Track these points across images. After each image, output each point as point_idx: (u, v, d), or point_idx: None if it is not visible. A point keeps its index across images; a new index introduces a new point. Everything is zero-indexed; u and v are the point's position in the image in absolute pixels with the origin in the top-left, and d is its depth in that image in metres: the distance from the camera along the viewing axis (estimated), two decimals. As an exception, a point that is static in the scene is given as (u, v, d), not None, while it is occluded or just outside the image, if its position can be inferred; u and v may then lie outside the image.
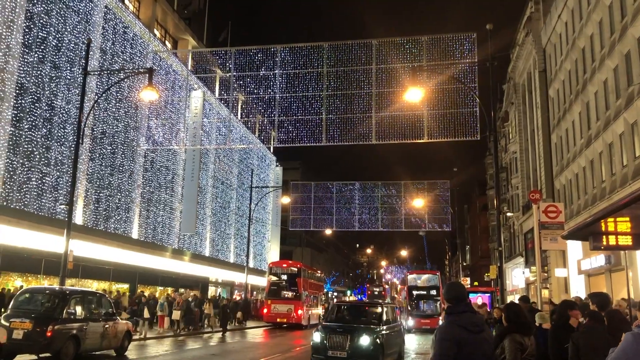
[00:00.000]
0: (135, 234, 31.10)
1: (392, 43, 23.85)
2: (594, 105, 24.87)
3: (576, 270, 26.65)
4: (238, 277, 44.93)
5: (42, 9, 23.32)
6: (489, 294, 37.76)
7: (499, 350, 5.45)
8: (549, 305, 13.56)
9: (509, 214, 45.48)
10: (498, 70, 46.19)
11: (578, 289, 26.60)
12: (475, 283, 63.85)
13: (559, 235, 16.88)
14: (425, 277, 38.60)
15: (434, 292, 36.42)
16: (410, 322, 34.58)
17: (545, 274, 29.85)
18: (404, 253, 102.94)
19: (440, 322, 29.36)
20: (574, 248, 25.86)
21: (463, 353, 4.27)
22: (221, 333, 27.93)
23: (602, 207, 21.59)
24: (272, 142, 43.84)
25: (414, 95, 17.58)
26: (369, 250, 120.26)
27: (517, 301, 10.71)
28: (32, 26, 22.70)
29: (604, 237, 15.91)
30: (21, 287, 20.75)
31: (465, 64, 22.43)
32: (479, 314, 5.17)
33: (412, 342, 25.81)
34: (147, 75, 18.80)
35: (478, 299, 38.45)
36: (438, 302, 35.37)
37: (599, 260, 22.96)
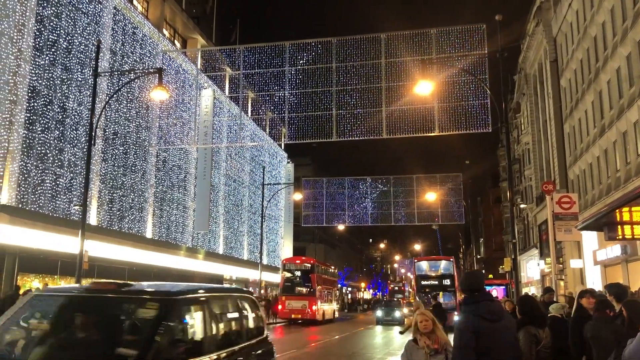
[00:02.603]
0: (149, 233, 31.32)
1: (401, 36, 23.75)
2: (607, 93, 24.60)
3: (592, 261, 26.43)
4: (252, 274, 45.09)
5: (52, 11, 23.49)
6: (503, 287, 37.46)
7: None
8: (564, 297, 13.46)
9: (522, 206, 45.17)
10: (509, 61, 45.88)
11: (594, 280, 26.38)
12: (490, 276, 63.54)
13: (574, 226, 16.72)
14: (436, 264, 32.99)
15: (447, 281, 31.18)
16: None
17: (561, 266, 29.65)
18: (417, 247, 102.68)
19: (456, 318, 28.06)
20: (589, 239, 25.64)
21: (482, 343, 4.20)
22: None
23: (617, 196, 21.37)
24: (282, 139, 43.93)
25: (424, 88, 17.50)
26: (382, 245, 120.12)
27: (539, 294, 10.66)
28: (42, 29, 22.88)
29: (619, 227, 15.75)
30: (37, 288, 20.97)
31: (475, 55, 22.28)
32: (498, 302, 5.12)
33: None
34: (157, 75, 18.87)
35: (493, 291, 38.20)
36: (453, 294, 30.29)
37: (614, 250, 22.75)
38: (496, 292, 38.10)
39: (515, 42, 43.77)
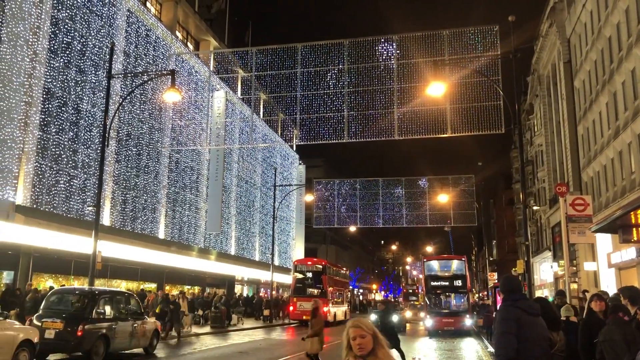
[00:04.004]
0: (161, 234, 31.49)
1: (413, 38, 23.70)
2: (622, 95, 24.35)
3: (606, 264, 26.16)
4: (264, 275, 45.19)
5: (66, 14, 23.74)
6: (516, 289, 37.07)
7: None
8: (578, 299, 13.35)
9: (535, 208, 44.84)
10: (522, 62, 45.57)
11: (608, 283, 26.11)
12: (519, 278, 63.01)
13: (588, 229, 16.57)
14: (447, 263, 30.96)
15: (459, 282, 29.08)
16: (429, 321, 28.24)
17: (574, 268, 29.38)
18: (429, 249, 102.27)
19: (468, 322, 27.72)
20: (604, 241, 25.38)
21: (522, 333, 4.57)
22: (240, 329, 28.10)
23: (632, 198, 21.15)
24: (294, 140, 43.99)
25: (437, 89, 17.45)
26: (394, 247, 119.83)
27: (552, 296, 10.57)
28: (57, 32, 23.13)
29: (634, 229, 15.58)
30: (51, 287, 21.18)
31: (488, 57, 22.17)
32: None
33: (430, 351, 21.12)
34: (170, 77, 19.00)
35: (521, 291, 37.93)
36: (465, 296, 28.82)
37: (629, 253, 22.49)
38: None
39: (528, 43, 43.52)
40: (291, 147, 54.91)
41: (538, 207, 44.28)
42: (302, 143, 27.17)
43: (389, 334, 14.89)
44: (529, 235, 21.05)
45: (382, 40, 24.15)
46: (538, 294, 36.56)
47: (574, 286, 28.27)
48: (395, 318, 28.29)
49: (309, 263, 37.56)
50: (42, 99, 22.14)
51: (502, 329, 4.62)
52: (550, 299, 18.02)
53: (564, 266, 18.45)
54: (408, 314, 40.88)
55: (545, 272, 42.68)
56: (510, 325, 4.58)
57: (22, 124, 21.01)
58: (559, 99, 36.54)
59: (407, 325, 35.05)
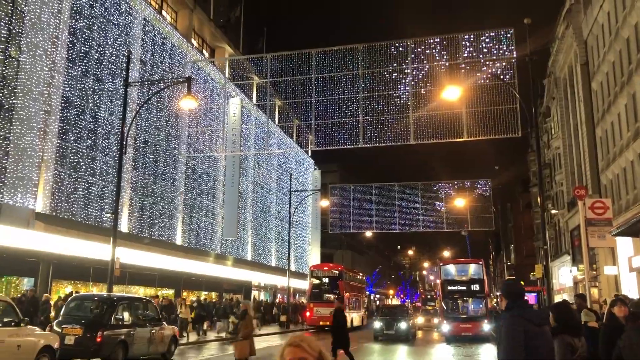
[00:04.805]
0: (179, 240, 31.67)
1: (428, 42, 23.64)
2: (641, 96, 24.04)
3: (627, 268, 25.77)
4: (280, 281, 45.21)
5: (84, 24, 24.06)
6: (535, 294, 36.57)
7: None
8: (598, 304, 13.16)
9: (553, 212, 44.36)
10: (538, 65, 45.23)
11: (630, 288, 25.71)
12: (521, 283, 62.49)
13: (608, 232, 16.36)
14: (464, 267, 30.40)
15: (476, 286, 28.56)
16: (446, 327, 27.76)
17: (594, 272, 28.98)
18: (446, 254, 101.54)
19: (486, 328, 27.30)
20: (624, 245, 25.03)
21: (530, 344, 4.39)
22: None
23: (653, 202, 20.83)
24: (309, 146, 44.05)
25: (452, 93, 17.39)
26: (410, 252, 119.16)
27: (571, 299, 10.42)
28: (75, 41, 23.44)
29: (656, 233, 15.33)
30: (70, 293, 21.39)
31: (504, 60, 22.04)
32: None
33: (449, 356, 20.91)
34: (186, 84, 19.15)
35: (525, 297, 37.45)
36: (483, 300, 28.32)
37: (651, 257, 22.16)
38: (527, 298, 37.40)
39: (544, 45, 43.21)
40: (306, 152, 54.99)
41: (556, 211, 43.82)
42: (317, 149, 27.19)
43: (340, 334, 15.57)
44: (547, 239, 20.82)
45: (397, 44, 24.10)
46: (557, 298, 36.11)
47: (595, 291, 27.90)
48: (403, 325, 27.04)
49: (325, 268, 37.52)
50: (60, 107, 22.44)
51: (512, 344, 4.41)
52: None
53: (584, 270, 18.23)
54: (420, 319, 38.95)
55: (564, 276, 42.16)
56: (519, 339, 4.41)
57: (42, 133, 21.31)
58: (576, 101, 36.17)
59: (419, 332, 34.15)
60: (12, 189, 19.94)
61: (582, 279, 29.54)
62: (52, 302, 20.42)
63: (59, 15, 22.37)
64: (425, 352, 23.52)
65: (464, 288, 28.79)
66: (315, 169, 58.97)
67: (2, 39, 19.88)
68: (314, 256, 57.19)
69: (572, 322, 5.52)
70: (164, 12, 33.49)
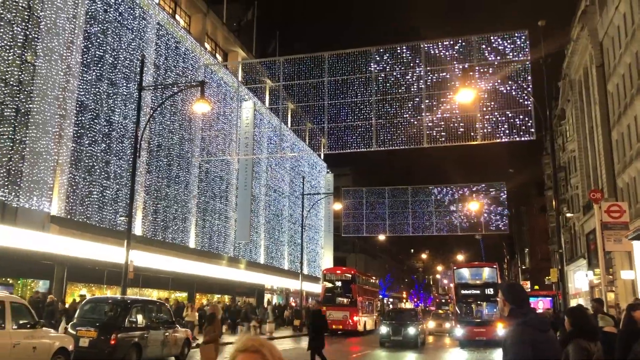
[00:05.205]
0: (192, 243, 31.80)
1: (441, 44, 23.55)
2: (658, 98, 23.74)
3: (644, 272, 25.42)
4: (293, 284, 45.22)
5: (98, 29, 24.30)
6: (550, 298, 36.19)
7: (563, 356, 5.23)
8: (615, 309, 12.98)
9: (568, 215, 43.92)
10: (552, 67, 44.89)
11: (647, 292, 25.35)
12: (536, 287, 61.89)
13: (624, 236, 16.15)
14: (478, 271, 30.05)
15: (490, 290, 28.35)
16: (459, 331, 27.38)
17: (611, 277, 28.61)
18: (460, 257, 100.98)
19: (500, 332, 26.92)
20: (641, 249, 24.68)
21: (537, 354, 4.17)
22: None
23: (670, 205, 20.53)
24: (322, 149, 44.06)
25: (466, 96, 17.29)
26: (424, 255, 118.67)
27: (587, 304, 10.28)
28: (90, 46, 23.67)
29: (674, 236, 15.11)
30: (84, 296, 21.55)
31: (518, 62, 21.89)
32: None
33: None
34: (199, 88, 19.24)
35: (539, 303, 37.05)
36: (497, 305, 27.28)
37: (668, 261, 21.83)
38: (542, 303, 37.02)
39: (559, 48, 42.87)
40: (319, 155, 55.02)
41: (571, 214, 43.38)
42: (330, 152, 27.18)
43: (316, 335, 15.21)
44: (562, 243, 20.60)
45: (410, 47, 24.04)
46: (573, 303, 35.71)
47: (611, 295, 27.54)
48: (411, 330, 25.35)
49: (338, 272, 37.43)
50: (75, 111, 22.66)
51: (519, 356, 4.17)
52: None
53: (600, 274, 18.00)
54: (431, 324, 37.56)
55: (580, 280, 41.70)
56: (527, 352, 4.15)
57: (57, 137, 21.52)
58: (591, 103, 35.83)
59: (430, 337, 33.20)
60: (28, 193, 20.14)
61: (598, 283, 29.20)
62: (59, 304, 20.52)
63: (74, 20, 22.61)
64: (436, 358, 23.34)
65: (478, 292, 28.57)
66: (327, 172, 58.96)
67: (19, 44, 20.13)
68: (326, 259, 57.13)
69: (588, 326, 5.43)
70: (177, 17, 33.72)
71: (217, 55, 38.93)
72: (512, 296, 4.47)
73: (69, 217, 22.19)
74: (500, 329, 27.21)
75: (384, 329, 26.40)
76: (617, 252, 27.24)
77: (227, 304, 32.48)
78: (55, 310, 19.02)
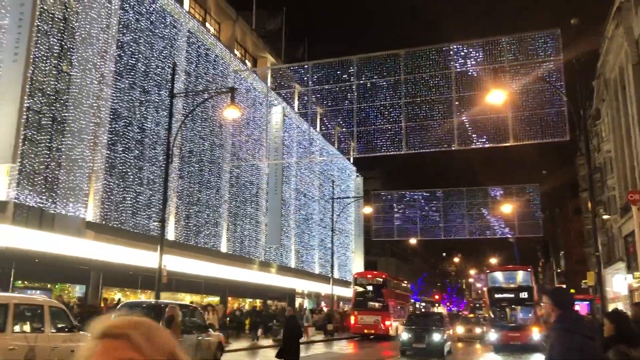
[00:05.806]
0: (223, 248, 32.09)
1: (470, 46, 23.28)
2: (697, 96, 23.02)
3: (686, 275, 24.64)
4: (323, 288, 45.19)
5: (131, 38, 24.79)
6: (587, 302, 35.34)
7: (604, 363, 5.10)
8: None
9: (605, 217, 42.87)
10: (586, 66, 43.91)
11: (689, 296, 24.57)
12: (572, 290, 60.58)
13: (664, 238, 15.68)
14: (512, 275, 29.54)
15: (524, 294, 27.85)
16: (493, 335, 26.68)
17: (651, 280, 27.81)
18: (493, 261, 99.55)
19: (535, 336, 26.34)
20: (682, 251, 23.90)
21: None
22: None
23: None
24: (351, 153, 43.99)
25: (497, 97, 17.06)
26: (456, 259, 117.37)
27: (626, 309, 10.00)
28: (122, 55, 24.17)
29: None
30: (119, 300, 21.92)
31: (550, 62, 21.49)
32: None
33: None
34: (229, 94, 19.45)
35: (576, 307, 36.16)
36: (532, 309, 27.22)
37: None
38: (579, 307, 36.18)
39: (593, 46, 41.95)
40: (348, 159, 54.96)
41: (608, 216, 42.35)
42: (359, 155, 27.11)
43: (291, 344, 13.82)
44: (599, 246, 20.08)
45: (440, 49, 23.83)
46: (611, 307, 34.80)
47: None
48: (436, 337, 22.29)
49: (369, 276, 37.26)
50: (109, 119, 23.15)
51: None
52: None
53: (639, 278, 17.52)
54: (459, 329, 35.72)
55: (619, 284, 40.61)
56: (574, 358, 4.05)
57: (92, 144, 22.01)
58: (627, 102, 34.96)
59: (459, 344, 32.06)
60: (64, 199, 20.63)
61: (637, 287, 28.42)
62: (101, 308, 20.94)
63: (108, 30, 23.12)
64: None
65: (512, 296, 28.00)
66: (357, 176, 58.83)
67: (55, 54, 20.67)
68: (357, 264, 56.95)
69: (628, 331, 5.29)
70: (207, 24, 34.15)
71: (247, 61, 39.28)
72: (560, 301, 4.38)
73: (103, 222, 22.64)
74: (536, 334, 26.65)
75: (405, 335, 23.46)
76: (657, 255, 26.47)
77: (257, 309, 32.53)
78: (97, 315, 19.39)
